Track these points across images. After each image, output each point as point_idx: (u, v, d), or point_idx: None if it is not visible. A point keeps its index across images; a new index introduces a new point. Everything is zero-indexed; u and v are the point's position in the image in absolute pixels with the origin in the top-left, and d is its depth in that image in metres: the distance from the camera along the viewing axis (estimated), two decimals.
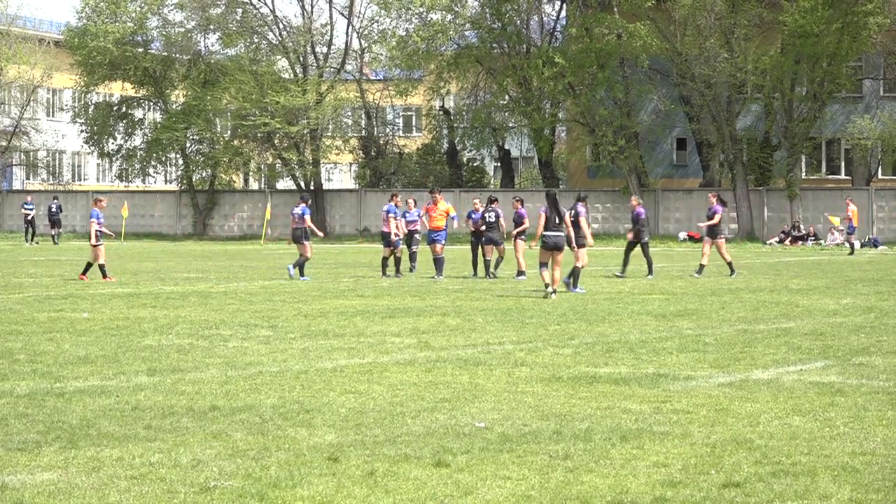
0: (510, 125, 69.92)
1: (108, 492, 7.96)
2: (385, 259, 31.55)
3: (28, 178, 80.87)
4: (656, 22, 60.39)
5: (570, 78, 61.71)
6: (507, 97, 66.33)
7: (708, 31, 60.25)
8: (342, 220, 69.03)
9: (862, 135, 62.84)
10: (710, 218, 31.70)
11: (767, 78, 59.17)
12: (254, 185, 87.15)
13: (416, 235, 32.63)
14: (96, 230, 29.36)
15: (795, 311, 21.03)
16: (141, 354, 14.86)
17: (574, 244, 25.91)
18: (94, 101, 74.27)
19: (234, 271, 34.66)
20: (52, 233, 59.49)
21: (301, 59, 69.62)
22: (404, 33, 67.50)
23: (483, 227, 30.87)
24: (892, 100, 66.07)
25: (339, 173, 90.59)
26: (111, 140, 72.62)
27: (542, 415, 10.72)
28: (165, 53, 70.58)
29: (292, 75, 69.30)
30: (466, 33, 67.12)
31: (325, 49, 70.32)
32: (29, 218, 59.51)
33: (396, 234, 31.28)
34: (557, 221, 24.13)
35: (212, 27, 70.12)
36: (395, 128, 78.57)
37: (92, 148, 74.30)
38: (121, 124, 72.57)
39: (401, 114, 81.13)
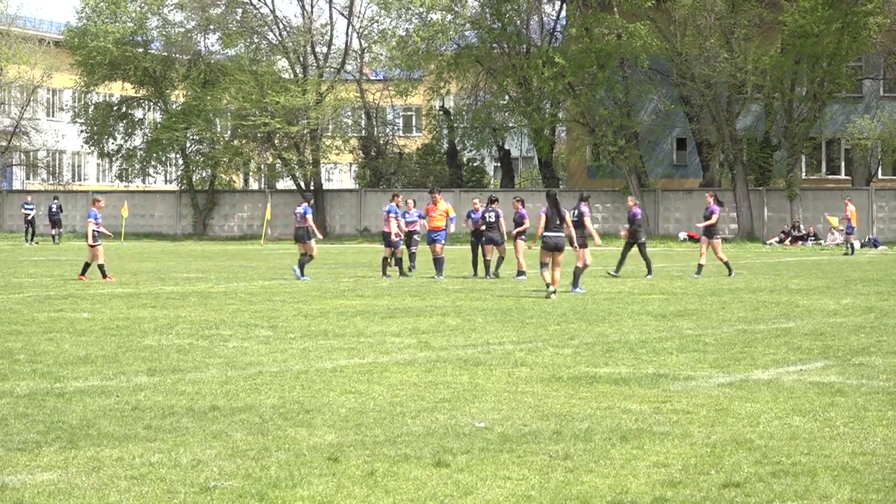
0: (510, 125, 69.87)
1: (108, 492, 7.96)
2: (385, 259, 31.55)
3: (28, 179, 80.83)
4: (656, 22, 60.37)
5: (570, 78, 61.68)
6: (507, 97, 66.29)
7: (708, 31, 60.25)
8: (342, 220, 69.00)
9: (862, 135, 62.82)
10: (707, 218, 31.70)
11: (767, 78, 59.15)
12: (254, 186, 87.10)
13: (416, 236, 32.64)
14: (94, 230, 29.38)
15: (795, 311, 21.03)
16: (141, 354, 14.86)
17: (575, 244, 25.90)
18: (94, 101, 74.23)
19: (234, 271, 34.65)
20: (53, 233, 59.51)
21: (301, 59, 69.59)
22: (404, 33, 67.49)
23: (483, 227, 30.87)
24: (892, 100, 66.05)
25: (339, 173, 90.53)
26: (111, 140, 72.58)
27: (542, 415, 10.72)
28: (165, 53, 70.55)
29: (292, 75, 69.27)
30: (466, 33, 67.09)
31: (325, 49, 70.31)
32: (29, 218, 59.48)
33: (397, 234, 31.29)
34: (558, 222, 24.10)
35: (212, 27, 70.10)
36: (395, 128, 78.51)
37: (92, 148, 74.27)
38: (121, 124, 72.54)
39: (401, 114, 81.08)
